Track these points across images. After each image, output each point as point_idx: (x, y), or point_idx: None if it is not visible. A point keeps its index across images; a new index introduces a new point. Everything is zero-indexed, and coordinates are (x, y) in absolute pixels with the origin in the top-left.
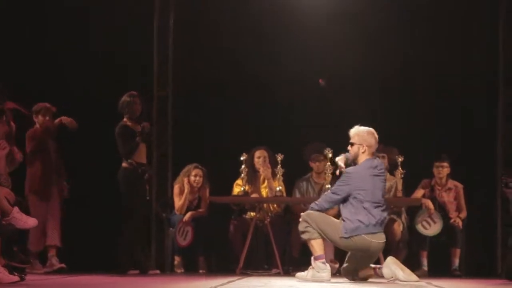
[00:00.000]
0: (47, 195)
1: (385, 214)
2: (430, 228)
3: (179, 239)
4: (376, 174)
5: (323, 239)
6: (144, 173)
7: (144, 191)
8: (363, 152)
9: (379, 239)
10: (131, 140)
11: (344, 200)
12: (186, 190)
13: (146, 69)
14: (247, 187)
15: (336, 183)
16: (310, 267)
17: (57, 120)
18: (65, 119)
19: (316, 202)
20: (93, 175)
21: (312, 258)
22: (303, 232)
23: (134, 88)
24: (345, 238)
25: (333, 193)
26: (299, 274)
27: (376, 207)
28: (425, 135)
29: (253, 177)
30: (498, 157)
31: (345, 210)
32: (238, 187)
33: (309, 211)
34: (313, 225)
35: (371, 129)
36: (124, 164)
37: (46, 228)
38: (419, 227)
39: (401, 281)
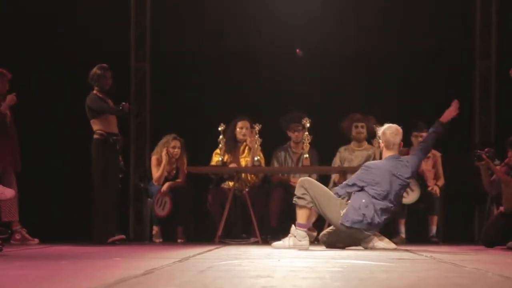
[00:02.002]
0: (5, 164)
1: (387, 216)
2: (408, 196)
3: (157, 209)
4: (398, 175)
5: (313, 210)
6: (115, 142)
7: (117, 161)
8: (385, 149)
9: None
10: (106, 104)
11: (360, 189)
12: (164, 161)
13: (124, 41)
14: (225, 157)
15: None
16: (290, 234)
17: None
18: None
19: (334, 188)
20: (68, 148)
21: (294, 225)
22: (299, 198)
23: (112, 60)
24: (345, 226)
25: (347, 182)
26: (275, 243)
27: (383, 208)
28: (402, 103)
29: (232, 147)
30: (475, 126)
31: (355, 198)
32: (217, 156)
33: (309, 178)
34: (311, 194)
35: (392, 125)
36: (95, 136)
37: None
38: None
39: (379, 249)
